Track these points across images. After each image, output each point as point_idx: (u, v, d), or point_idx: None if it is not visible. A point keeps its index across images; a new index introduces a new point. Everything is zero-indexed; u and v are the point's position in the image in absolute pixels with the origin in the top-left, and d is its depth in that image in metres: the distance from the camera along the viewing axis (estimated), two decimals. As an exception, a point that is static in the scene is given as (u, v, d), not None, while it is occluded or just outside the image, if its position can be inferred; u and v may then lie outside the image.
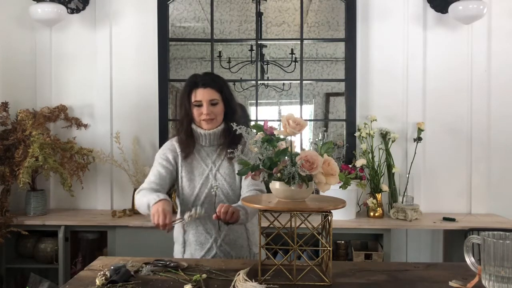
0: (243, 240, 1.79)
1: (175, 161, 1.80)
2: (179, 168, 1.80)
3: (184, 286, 1.27)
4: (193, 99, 1.76)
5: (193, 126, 1.79)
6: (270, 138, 1.30)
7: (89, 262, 1.76)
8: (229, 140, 1.74)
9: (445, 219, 2.79)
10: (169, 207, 1.55)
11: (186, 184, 1.78)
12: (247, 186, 1.74)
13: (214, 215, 1.54)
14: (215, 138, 1.79)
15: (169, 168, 1.79)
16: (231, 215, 1.54)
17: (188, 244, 1.81)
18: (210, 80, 1.78)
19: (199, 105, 1.75)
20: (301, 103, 3.19)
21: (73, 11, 3.04)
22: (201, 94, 1.74)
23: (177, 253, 1.87)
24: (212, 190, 1.69)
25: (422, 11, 3.04)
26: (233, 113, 1.79)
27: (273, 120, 2.30)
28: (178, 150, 1.81)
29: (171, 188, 1.83)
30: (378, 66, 3.07)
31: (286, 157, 1.29)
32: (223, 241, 1.76)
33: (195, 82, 1.78)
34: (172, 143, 1.84)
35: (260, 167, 1.29)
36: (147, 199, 1.63)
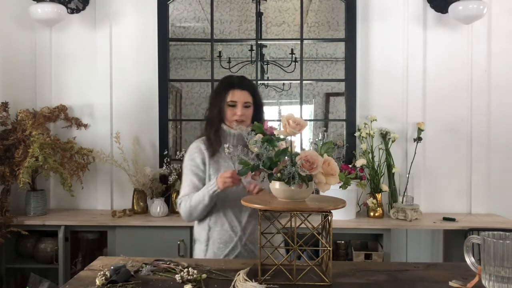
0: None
1: (203, 162, 1.83)
2: (207, 167, 1.82)
3: (184, 286, 1.27)
4: (228, 99, 1.79)
5: (223, 126, 1.82)
6: (270, 138, 1.30)
7: (89, 262, 1.76)
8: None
9: (445, 219, 2.79)
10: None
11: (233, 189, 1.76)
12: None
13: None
14: (241, 139, 1.80)
15: (199, 174, 1.82)
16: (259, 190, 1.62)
17: (212, 242, 1.80)
18: (246, 83, 1.84)
19: (233, 106, 1.79)
20: (301, 103, 3.19)
21: (73, 11, 3.04)
22: (237, 95, 1.78)
23: (199, 252, 1.85)
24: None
25: (422, 11, 3.04)
26: (261, 118, 1.83)
27: (273, 120, 2.30)
28: (204, 149, 1.83)
29: None
30: (378, 66, 3.07)
31: (286, 157, 1.29)
32: (248, 240, 1.76)
33: (231, 83, 1.82)
34: (198, 145, 1.86)
35: (260, 167, 1.29)
36: (201, 194, 1.72)
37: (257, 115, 1.84)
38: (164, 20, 3.08)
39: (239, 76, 1.91)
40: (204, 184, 1.80)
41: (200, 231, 1.86)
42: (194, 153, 1.84)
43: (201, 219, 1.84)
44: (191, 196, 1.76)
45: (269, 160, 1.28)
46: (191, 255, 2.67)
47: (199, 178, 1.81)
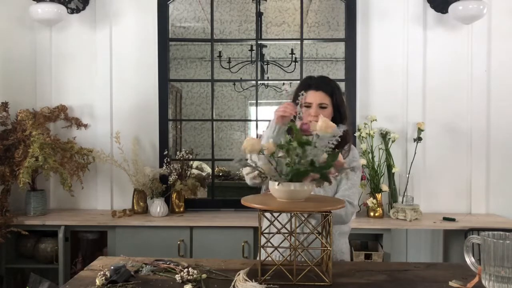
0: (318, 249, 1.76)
1: None
2: None
3: (184, 286, 1.27)
4: (304, 100, 1.75)
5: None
6: (307, 141, 1.27)
7: (89, 262, 1.76)
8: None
9: (445, 219, 2.79)
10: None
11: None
12: (339, 190, 1.74)
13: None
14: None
15: None
16: None
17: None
18: (323, 83, 1.80)
19: (309, 107, 1.76)
20: (301, 103, 3.18)
21: (73, 11, 3.04)
22: (312, 96, 1.76)
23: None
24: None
25: (422, 11, 3.04)
26: (342, 118, 1.79)
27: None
28: None
29: None
30: (378, 66, 3.07)
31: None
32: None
33: (308, 84, 1.80)
34: None
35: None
36: (265, 137, 1.70)
37: (337, 116, 1.79)
38: (164, 20, 3.08)
39: (319, 76, 1.87)
40: None
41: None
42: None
43: None
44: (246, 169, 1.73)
45: (321, 168, 1.26)
46: (191, 255, 2.68)
47: None
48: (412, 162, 2.98)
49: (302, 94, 1.52)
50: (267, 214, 1.36)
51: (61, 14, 2.92)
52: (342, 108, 1.81)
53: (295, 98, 1.80)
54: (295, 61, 4.24)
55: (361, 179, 2.78)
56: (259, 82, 3.49)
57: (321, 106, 1.76)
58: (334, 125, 1.32)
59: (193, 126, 5.15)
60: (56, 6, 2.89)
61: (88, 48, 3.13)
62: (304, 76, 3.27)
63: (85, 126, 3.10)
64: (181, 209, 2.96)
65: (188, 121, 5.26)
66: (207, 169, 3.52)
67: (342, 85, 3.15)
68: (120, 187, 3.11)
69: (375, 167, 2.89)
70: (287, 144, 1.27)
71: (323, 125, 1.29)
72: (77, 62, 3.14)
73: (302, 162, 1.25)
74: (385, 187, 2.87)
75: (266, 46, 4.58)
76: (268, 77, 4.79)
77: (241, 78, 4.72)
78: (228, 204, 3.04)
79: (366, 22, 3.08)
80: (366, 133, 2.92)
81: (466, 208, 3.05)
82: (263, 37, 4.00)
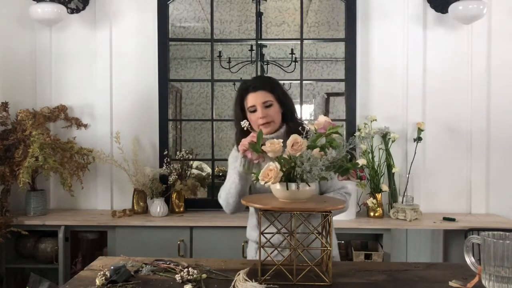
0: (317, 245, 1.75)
1: None
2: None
3: (184, 286, 1.27)
4: (247, 105, 1.70)
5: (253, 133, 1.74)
6: (331, 139, 1.29)
7: (89, 262, 1.76)
8: None
9: (445, 219, 2.79)
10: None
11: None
12: (332, 185, 1.70)
13: None
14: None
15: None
16: None
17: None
18: (260, 82, 1.73)
19: (254, 110, 1.68)
20: (301, 103, 3.18)
21: (73, 11, 3.04)
22: (253, 99, 1.68)
23: (251, 252, 1.80)
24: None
25: (422, 11, 3.04)
26: (292, 112, 1.73)
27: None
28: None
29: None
30: (378, 66, 3.07)
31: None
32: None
33: (245, 88, 1.72)
34: (236, 154, 1.74)
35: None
36: (231, 172, 1.66)
37: (286, 111, 1.72)
38: (164, 20, 3.08)
39: (254, 77, 1.81)
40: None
41: (250, 231, 1.82)
42: (235, 157, 1.73)
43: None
44: (225, 184, 1.70)
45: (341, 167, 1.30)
46: (191, 255, 2.68)
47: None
48: (412, 162, 2.98)
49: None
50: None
51: (61, 14, 2.92)
52: (287, 101, 1.73)
53: (236, 109, 1.74)
54: (295, 61, 4.24)
55: (361, 179, 2.79)
56: (259, 82, 3.48)
57: (266, 105, 1.67)
58: (280, 141, 1.30)
59: (193, 126, 5.15)
60: (56, 6, 2.89)
61: (88, 48, 3.13)
62: (304, 76, 3.28)
63: (85, 126, 3.10)
64: (181, 209, 2.96)
65: (188, 121, 5.26)
66: (207, 169, 3.52)
67: (342, 85, 3.17)
68: (120, 187, 3.11)
69: (375, 167, 2.89)
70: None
71: (270, 148, 1.30)
72: (77, 62, 3.14)
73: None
74: (385, 187, 2.87)
75: (266, 46, 4.58)
76: (268, 77, 4.78)
77: (241, 78, 4.71)
78: (228, 204, 3.03)
79: (366, 22, 3.08)
80: (366, 133, 2.92)
81: (466, 208, 3.05)
82: (263, 37, 3.99)
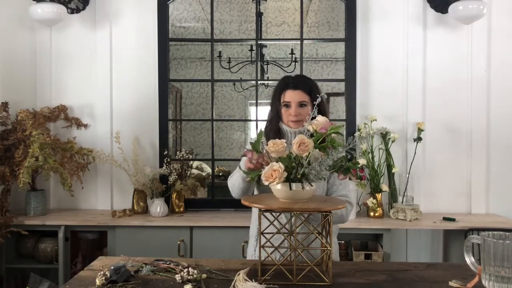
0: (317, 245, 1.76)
1: None
2: None
3: (184, 286, 1.27)
4: (282, 100, 1.79)
5: (282, 125, 1.81)
6: (332, 139, 1.29)
7: (89, 262, 1.76)
8: None
9: (445, 219, 2.79)
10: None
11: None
12: (336, 190, 1.74)
13: None
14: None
15: None
16: None
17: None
18: (300, 82, 1.81)
19: (288, 106, 1.78)
20: (301, 103, 3.18)
21: (73, 11, 3.04)
22: (290, 96, 1.77)
23: (251, 248, 1.83)
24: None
25: (422, 11, 3.04)
26: (322, 114, 1.78)
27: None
28: None
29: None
30: (378, 66, 3.07)
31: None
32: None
33: (286, 83, 1.80)
34: None
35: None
36: (237, 174, 1.70)
37: (318, 112, 1.79)
38: (164, 20, 3.08)
39: (296, 75, 1.89)
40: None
41: (253, 227, 1.86)
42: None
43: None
44: (235, 172, 1.75)
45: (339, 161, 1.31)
46: (191, 255, 2.68)
47: None
48: (412, 162, 2.98)
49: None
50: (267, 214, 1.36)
51: (61, 14, 2.92)
52: (322, 105, 1.75)
53: (273, 99, 1.83)
54: (295, 61, 4.24)
55: (361, 179, 2.79)
56: (259, 82, 3.48)
57: (301, 105, 1.77)
58: (283, 141, 1.32)
59: (193, 126, 5.16)
60: (56, 6, 2.89)
61: (88, 48, 3.13)
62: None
63: (85, 126, 3.10)
64: (181, 209, 2.96)
65: (188, 121, 5.26)
66: (207, 169, 3.52)
67: (342, 85, 3.17)
68: (120, 187, 3.11)
69: (375, 167, 2.89)
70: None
71: (274, 148, 1.31)
72: (77, 62, 3.14)
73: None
74: (385, 187, 2.87)
75: (266, 46, 4.58)
76: (268, 77, 4.79)
77: (241, 78, 4.72)
78: (228, 204, 3.04)
79: (366, 22, 3.08)
80: (366, 133, 2.92)
81: (466, 208, 3.05)
82: (263, 37, 4.00)
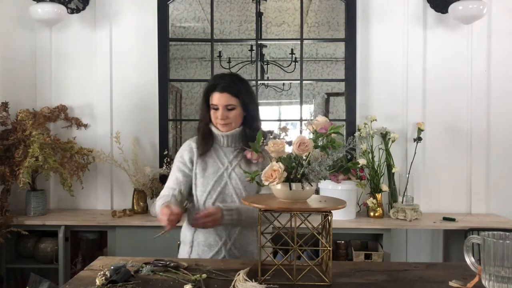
0: (253, 247, 1.77)
1: (191, 160, 1.81)
2: (194, 165, 1.80)
3: (184, 286, 1.27)
4: (210, 102, 1.76)
5: (212, 127, 1.80)
6: (332, 139, 1.30)
7: (89, 262, 1.76)
8: (245, 144, 1.69)
9: (445, 219, 2.79)
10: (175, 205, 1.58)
11: (200, 181, 1.78)
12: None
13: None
14: (233, 140, 1.79)
15: (185, 171, 1.81)
16: (205, 224, 1.62)
17: (196, 244, 1.79)
18: (229, 85, 1.75)
19: (216, 109, 1.75)
20: (301, 103, 3.18)
21: (73, 11, 3.03)
22: (217, 98, 1.73)
23: (183, 253, 1.85)
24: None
25: (422, 11, 3.04)
26: (253, 119, 1.77)
27: (273, 120, 2.30)
28: (194, 147, 1.82)
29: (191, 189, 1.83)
30: (378, 66, 3.07)
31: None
32: (233, 245, 1.75)
33: (214, 85, 1.76)
34: (189, 143, 1.85)
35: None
36: (159, 209, 1.69)
37: (248, 116, 1.77)
38: (164, 20, 3.08)
39: (225, 75, 1.82)
40: (188, 180, 1.80)
41: (185, 232, 1.86)
42: (184, 151, 1.84)
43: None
44: (161, 200, 1.75)
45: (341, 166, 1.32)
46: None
47: (184, 174, 1.81)
48: (412, 162, 2.98)
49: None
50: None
51: (61, 14, 2.92)
52: (251, 107, 1.77)
53: (202, 100, 1.81)
54: (295, 61, 4.23)
55: (361, 179, 2.78)
56: (259, 82, 3.48)
57: (228, 108, 1.73)
58: (283, 141, 1.32)
59: (193, 126, 5.13)
60: (56, 6, 2.89)
61: (88, 48, 3.13)
62: (304, 76, 3.28)
63: (85, 126, 3.10)
64: (181, 209, 2.96)
65: (188, 121, 5.25)
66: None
67: (342, 85, 3.17)
68: (120, 187, 3.11)
69: (375, 167, 2.89)
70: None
71: (274, 148, 1.30)
72: (77, 62, 3.14)
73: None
74: (385, 187, 2.87)
75: (266, 46, 4.57)
76: (268, 77, 4.79)
77: (241, 78, 4.71)
78: (228, 204, 3.03)
79: (366, 22, 3.08)
80: (366, 133, 2.92)
81: (466, 208, 3.05)
82: (263, 37, 3.99)
